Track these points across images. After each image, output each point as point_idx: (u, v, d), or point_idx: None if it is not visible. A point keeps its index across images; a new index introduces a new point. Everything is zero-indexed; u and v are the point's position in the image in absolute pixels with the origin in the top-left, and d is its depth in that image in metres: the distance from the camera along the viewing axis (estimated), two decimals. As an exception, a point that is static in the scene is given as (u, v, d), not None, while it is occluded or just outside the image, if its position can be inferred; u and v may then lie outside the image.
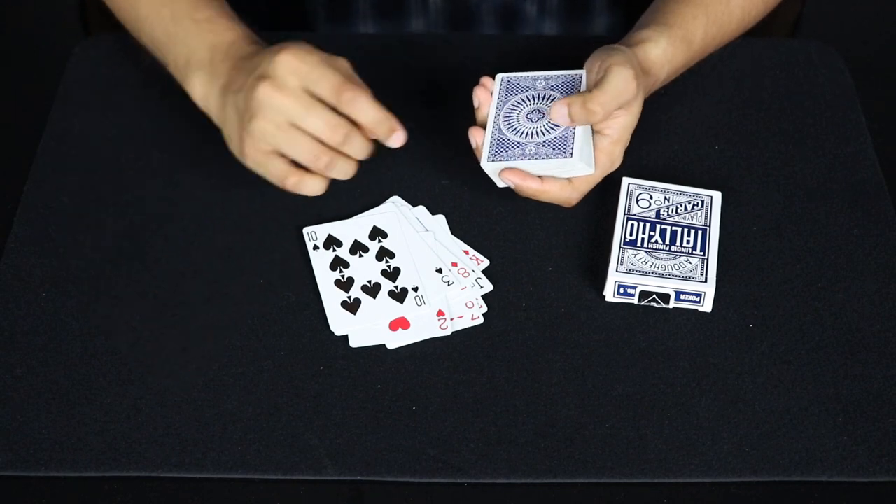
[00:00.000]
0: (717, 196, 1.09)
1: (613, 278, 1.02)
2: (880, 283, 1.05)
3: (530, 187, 1.03)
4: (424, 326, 1.02)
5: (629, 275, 1.02)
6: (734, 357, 1.00)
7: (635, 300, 1.03)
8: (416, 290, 1.03)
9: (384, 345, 1.01)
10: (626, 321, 1.02)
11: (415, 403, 0.97)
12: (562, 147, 1.02)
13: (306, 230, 1.08)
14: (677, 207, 1.07)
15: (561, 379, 0.99)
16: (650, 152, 1.14)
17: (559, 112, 1.02)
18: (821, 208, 1.11)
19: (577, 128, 1.02)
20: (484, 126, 1.05)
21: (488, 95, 1.07)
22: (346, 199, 1.10)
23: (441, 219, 1.09)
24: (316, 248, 1.06)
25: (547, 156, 1.02)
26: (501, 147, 1.03)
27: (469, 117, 1.08)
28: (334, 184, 1.12)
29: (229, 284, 1.05)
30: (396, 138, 1.01)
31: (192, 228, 1.09)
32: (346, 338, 1.01)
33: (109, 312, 1.03)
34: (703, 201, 1.08)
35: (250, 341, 1.01)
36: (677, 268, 1.03)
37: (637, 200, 1.08)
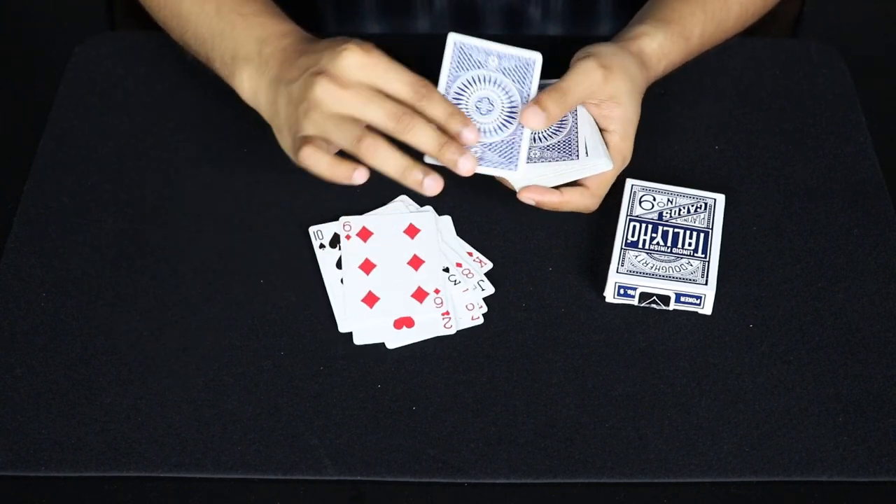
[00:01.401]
0: (720, 199, 1.08)
1: (614, 279, 1.02)
2: (880, 283, 1.05)
3: (552, 201, 1.04)
4: (429, 325, 1.01)
5: (629, 276, 1.02)
6: (734, 357, 1.00)
7: (635, 301, 1.03)
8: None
9: (384, 344, 1.01)
10: (626, 321, 1.02)
11: (415, 403, 0.97)
12: (507, 156, 1.01)
13: (312, 229, 1.07)
14: (680, 209, 1.07)
15: (561, 379, 0.99)
16: (650, 152, 1.14)
17: (530, 113, 1.00)
18: (821, 208, 1.11)
19: (525, 130, 1.02)
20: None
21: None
22: (348, 198, 1.10)
23: (447, 220, 1.09)
24: (322, 246, 1.06)
25: (493, 163, 1.01)
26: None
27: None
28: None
29: (229, 284, 1.05)
30: (468, 133, 0.98)
31: (191, 228, 1.09)
32: (346, 337, 1.01)
33: (109, 312, 1.03)
34: (706, 204, 1.08)
35: (250, 341, 1.01)
36: (678, 270, 1.03)
37: (640, 202, 1.08)
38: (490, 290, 1.04)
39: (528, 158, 1.02)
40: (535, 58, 1.03)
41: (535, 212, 1.09)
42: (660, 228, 1.06)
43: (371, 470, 0.94)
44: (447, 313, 1.02)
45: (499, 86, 1.03)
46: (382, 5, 1.33)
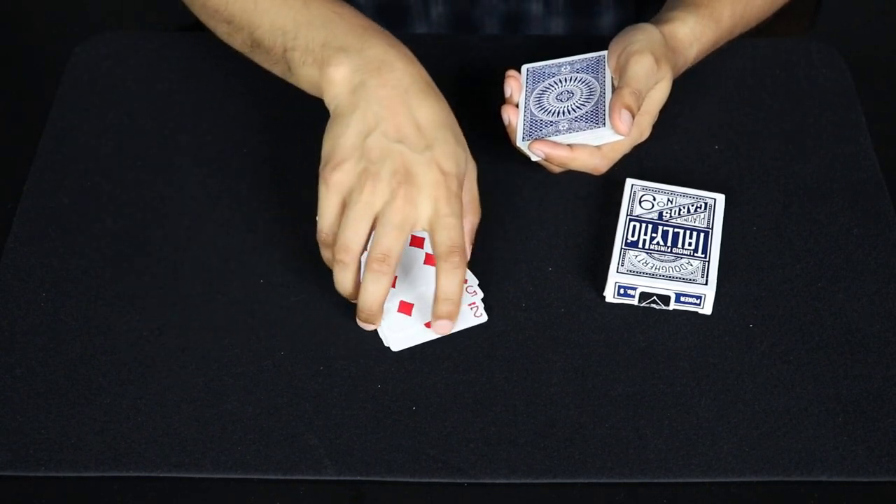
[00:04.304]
0: (720, 199, 1.08)
1: (614, 279, 1.02)
2: (880, 283, 1.05)
3: (560, 156, 1.05)
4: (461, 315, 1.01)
5: (629, 276, 1.02)
6: (734, 357, 1.00)
7: (635, 301, 1.03)
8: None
9: (383, 344, 1.01)
10: (626, 321, 1.02)
11: (415, 403, 0.97)
12: (594, 118, 1.05)
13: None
14: (680, 209, 1.07)
15: (561, 379, 0.99)
16: (650, 152, 1.14)
17: (623, 118, 1.03)
18: (821, 208, 1.11)
19: (608, 99, 1.06)
20: (516, 106, 1.09)
21: (519, 85, 1.09)
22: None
23: None
24: None
25: (580, 129, 1.05)
26: (535, 126, 1.06)
27: (468, 116, 1.08)
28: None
29: (229, 284, 1.05)
30: (442, 325, 1.00)
31: (191, 228, 1.09)
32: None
33: (109, 312, 1.03)
34: (706, 204, 1.08)
35: (250, 341, 1.01)
36: (678, 270, 1.03)
37: (640, 202, 1.08)
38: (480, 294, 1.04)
39: (558, 131, 1.06)
40: (603, 53, 1.11)
41: (535, 211, 1.09)
42: (660, 228, 1.06)
43: (371, 470, 0.94)
44: (474, 303, 1.02)
45: (576, 81, 1.09)
46: (378, 14, 1.33)
